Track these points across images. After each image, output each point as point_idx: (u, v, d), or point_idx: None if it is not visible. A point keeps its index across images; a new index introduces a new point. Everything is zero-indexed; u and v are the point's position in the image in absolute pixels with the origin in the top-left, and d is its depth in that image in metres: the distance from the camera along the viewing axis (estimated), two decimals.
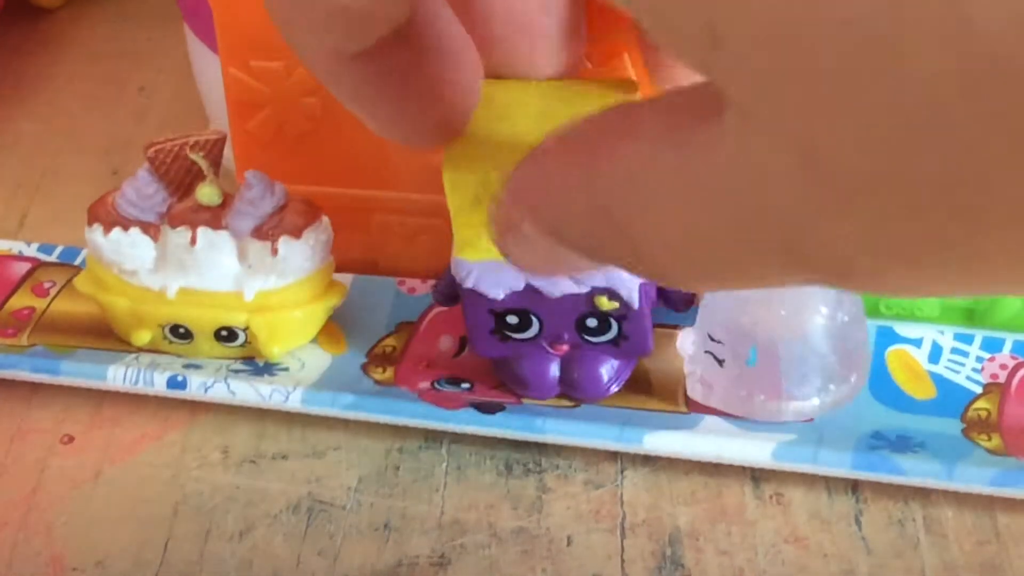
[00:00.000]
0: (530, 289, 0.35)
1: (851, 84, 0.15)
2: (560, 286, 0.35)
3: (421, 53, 0.25)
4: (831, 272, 0.17)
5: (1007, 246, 0.15)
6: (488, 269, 0.34)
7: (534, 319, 0.36)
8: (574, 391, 0.37)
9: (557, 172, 0.21)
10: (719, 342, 0.36)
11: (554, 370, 0.37)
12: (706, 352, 0.36)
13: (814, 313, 0.35)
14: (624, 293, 0.35)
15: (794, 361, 0.35)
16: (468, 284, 0.35)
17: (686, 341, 0.37)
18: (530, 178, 0.22)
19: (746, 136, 0.16)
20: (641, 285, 0.35)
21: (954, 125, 0.14)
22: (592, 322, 0.36)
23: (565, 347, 0.36)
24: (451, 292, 0.37)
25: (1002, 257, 0.16)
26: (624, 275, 0.34)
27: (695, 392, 0.37)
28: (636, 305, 0.35)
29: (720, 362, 0.36)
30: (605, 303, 0.35)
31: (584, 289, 0.35)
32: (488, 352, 0.37)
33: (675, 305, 0.37)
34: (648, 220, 0.19)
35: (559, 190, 0.21)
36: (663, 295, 0.37)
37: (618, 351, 0.36)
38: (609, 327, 0.36)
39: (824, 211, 0.16)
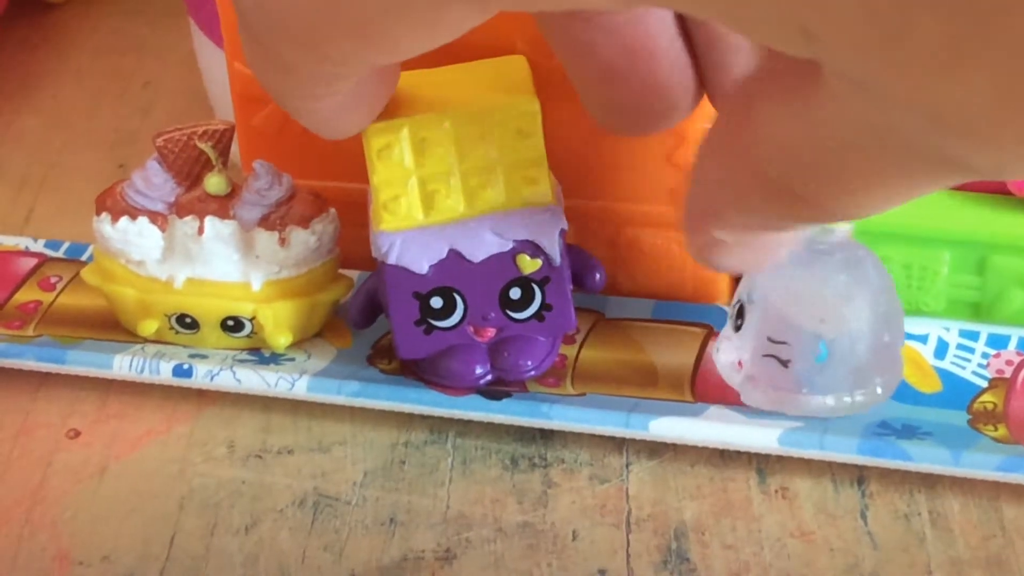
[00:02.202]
0: (453, 256, 0.35)
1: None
2: (484, 245, 0.35)
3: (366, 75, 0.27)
4: (976, 168, 0.19)
5: None
6: (411, 238, 0.34)
7: (458, 299, 0.35)
8: (504, 374, 0.37)
9: (721, 176, 0.24)
10: (784, 343, 0.36)
11: (481, 361, 0.36)
12: (765, 356, 0.36)
13: (876, 304, 0.35)
14: (546, 244, 0.35)
15: (857, 354, 0.35)
16: (392, 259, 0.34)
17: (729, 352, 0.37)
18: (702, 194, 0.25)
19: (859, 99, 0.19)
20: (561, 234, 0.35)
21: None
22: (516, 293, 0.36)
23: (491, 331, 0.36)
24: (366, 307, 0.37)
25: None
26: (545, 226, 0.35)
27: (751, 398, 0.36)
28: (558, 259, 0.35)
29: (784, 363, 0.36)
30: (527, 262, 0.35)
31: (507, 245, 0.35)
32: (415, 352, 0.36)
33: (591, 286, 0.37)
34: (818, 179, 0.21)
35: (732, 190, 0.23)
36: (577, 279, 0.37)
37: (543, 327, 0.36)
38: (533, 297, 0.36)
39: (948, 135, 0.18)
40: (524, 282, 0.35)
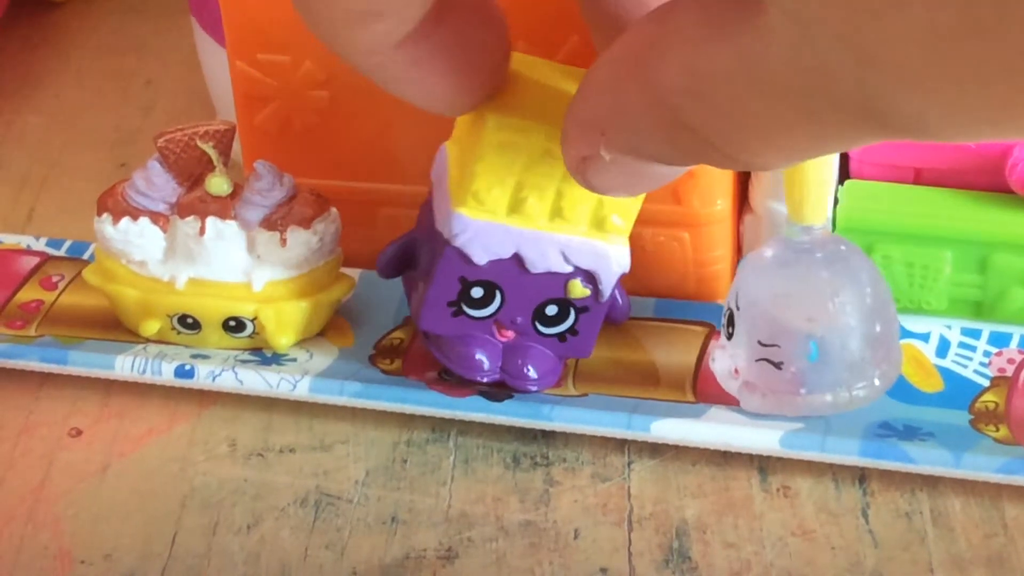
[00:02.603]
0: (514, 259, 0.35)
1: None
2: (547, 261, 0.35)
3: (460, 23, 0.25)
4: (899, 118, 0.18)
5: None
6: (482, 230, 0.34)
7: (498, 296, 0.35)
8: (511, 380, 0.37)
9: (618, 91, 0.22)
10: (775, 346, 0.36)
11: (496, 356, 0.36)
12: (759, 360, 0.36)
13: (862, 297, 0.35)
14: (603, 281, 0.35)
15: (850, 348, 0.35)
16: (459, 242, 0.34)
17: (724, 360, 0.37)
18: (592, 104, 0.23)
19: (794, 31, 0.18)
20: (619, 277, 0.35)
21: None
22: (552, 309, 0.36)
23: (510, 334, 0.36)
24: (396, 257, 0.37)
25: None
26: (611, 264, 0.35)
27: (750, 404, 0.36)
28: (606, 296, 0.35)
29: (777, 366, 0.36)
30: (578, 289, 0.35)
31: (568, 269, 0.35)
32: (435, 327, 0.36)
33: (616, 317, 0.37)
34: (718, 114, 0.20)
35: (624, 107, 0.22)
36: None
37: (560, 347, 0.36)
38: (565, 318, 0.36)
39: (886, 61, 0.17)
40: (564, 303, 0.36)
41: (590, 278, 0.35)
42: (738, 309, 0.36)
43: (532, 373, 0.37)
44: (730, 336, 0.36)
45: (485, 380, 0.37)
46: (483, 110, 0.32)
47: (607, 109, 0.22)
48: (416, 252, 0.37)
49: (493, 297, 0.35)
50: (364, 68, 0.25)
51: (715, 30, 0.19)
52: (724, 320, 0.37)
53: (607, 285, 0.35)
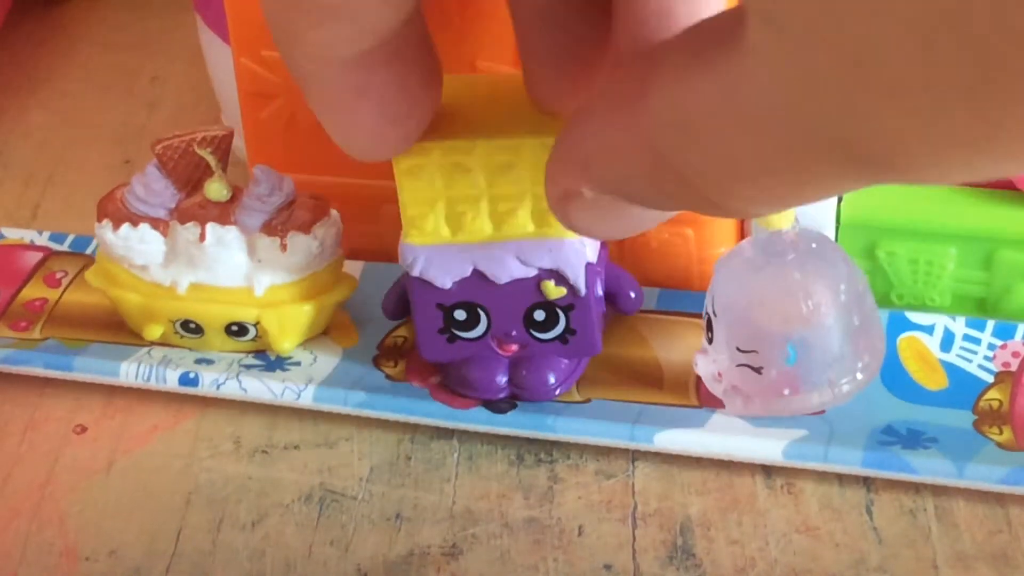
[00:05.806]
0: (477, 275, 0.35)
1: None
2: (508, 270, 0.34)
3: (404, 69, 0.25)
4: (877, 162, 0.17)
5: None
6: (435, 254, 0.34)
7: (482, 314, 0.35)
8: (522, 392, 0.37)
9: (604, 125, 0.22)
10: (753, 351, 0.35)
11: (502, 372, 0.37)
12: (739, 366, 0.36)
13: (836, 293, 0.35)
14: (571, 275, 0.35)
15: (829, 346, 0.35)
16: (415, 272, 0.34)
17: (707, 365, 0.37)
18: (577, 140, 0.23)
19: (779, 49, 0.17)
20: (588, 268, 0.35)
21: (979, 34, 0.15)
22: (540, 315, 0.35)
23: (514, 347, 0.36)
24: (399, 302, 0.37)
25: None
26: (571, 257, 0.34)
27: (735, 407, 0.36)
28: (583, 290, 0.35)
29: (758, 371, 0.36)
30: (552, 290, 0.35)
31: (531, 272, 0.35)
32: (436, 356, 0.37)
33: (625, 308, 0.38)
34: (701, 153, 0.19)
35: (609, 143, 0.21)
36: (611, 299, 0.37)
37: (567, 349, 0.36)
38: (557, 320, 0.36)
39: (866, 107, 0.16)
40: (549, 306, 0.35)
41: (559, 276, 0.35)
42: (715, 315, 0.36)
43: (542, 381, 0.37)
44: (710, 341, 0.36)
45: (499, 396, 0.37)
46: None
47: (592, 144, 0.22)
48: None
49: (478, 316, 0.35)
50: (306, 78, 0.25)
51: (700, 62, 0.19)
52: (704, 324, 0.37)
53: (577, 278, 0.35)
